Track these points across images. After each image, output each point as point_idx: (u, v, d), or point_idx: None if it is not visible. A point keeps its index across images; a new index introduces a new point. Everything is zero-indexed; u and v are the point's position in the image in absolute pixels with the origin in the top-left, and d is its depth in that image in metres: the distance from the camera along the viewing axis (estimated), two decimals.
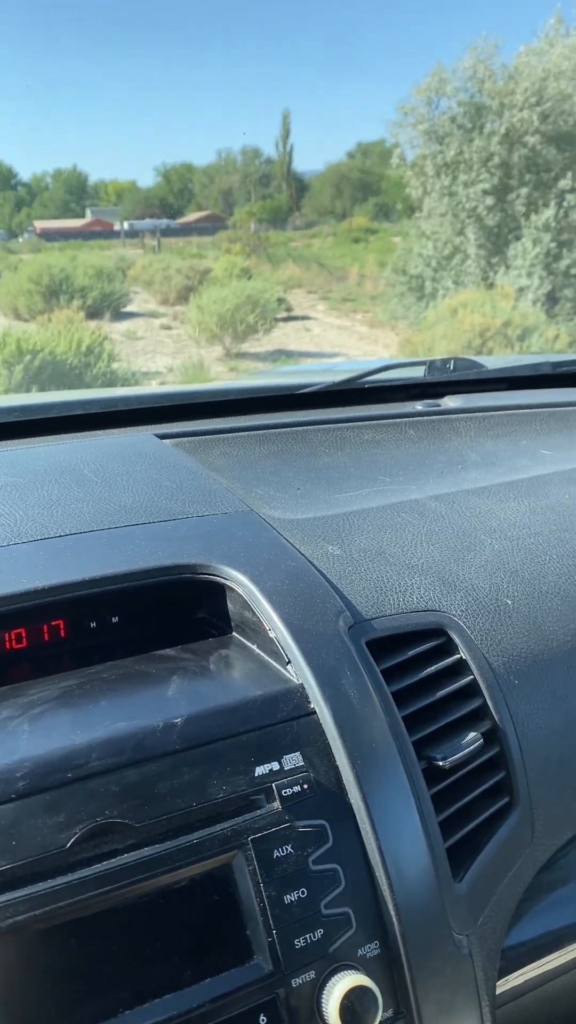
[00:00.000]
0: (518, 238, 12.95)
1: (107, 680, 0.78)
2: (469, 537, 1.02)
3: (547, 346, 10.75)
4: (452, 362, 1.61)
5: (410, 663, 0.84)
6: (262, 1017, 0.65)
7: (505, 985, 0.82)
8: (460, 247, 13.46)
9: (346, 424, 1.37)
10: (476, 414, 1.43)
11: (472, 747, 0.80)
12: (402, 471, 1.23)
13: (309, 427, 1.36)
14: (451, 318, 11.18)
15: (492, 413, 1.43)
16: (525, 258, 12.50)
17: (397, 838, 0.72)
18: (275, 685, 0.76)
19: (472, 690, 0.86)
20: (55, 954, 0.61)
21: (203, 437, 1.29)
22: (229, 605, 0.87)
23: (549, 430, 1.42)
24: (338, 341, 14.98)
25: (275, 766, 0.71)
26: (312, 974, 0.67)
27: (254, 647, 0.84)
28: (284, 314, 16.20)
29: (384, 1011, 0.68)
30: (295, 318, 17.07)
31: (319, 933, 0.67)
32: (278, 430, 1.35)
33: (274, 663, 0.80)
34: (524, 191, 13.06)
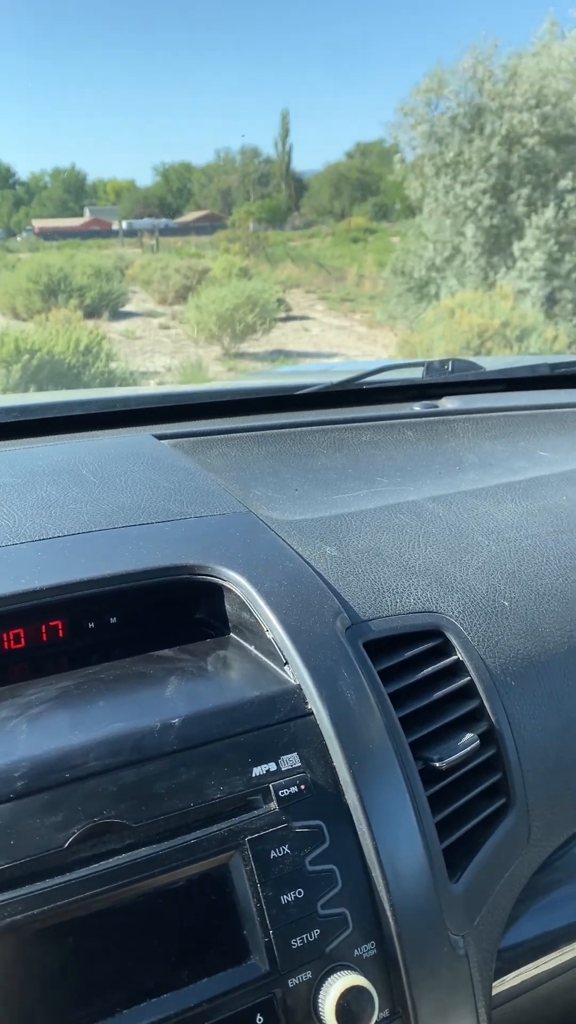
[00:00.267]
0: (519, 239, 12.96)
1: (105, 680, 0.78)
2: (466, 538, 1.02)
3: (546, 347, 10.77)
4: (450, 363, 1.61)
5: (407, 664, 0.85)
6: (259, 1017, 0.65)
7: (501, 986, 0.82)
8: (460, 248, 13.48)
9: (344, 425, 1.37)
10: (474, 415, 1.43)
11: (469, 748, 0.80)
12: (400, 472, 1.23)
13: (307, 428, 1.36)
14: (449, 319, 11.19)
15: (490, 414, 1.44)
16: (527, 259, 12.51)
17: (394, 839, 0.72)
18: (272, 686, 0.76)
19: (469, 691, 0.86)
20: (53, 954, 0.62)
21: (201, 438, 1.29)
22: (227, 606, 0.87)
23: (547, 431, 1.43)
24: (337, 341, 14.99)
25: (272, 767, 0.71)
26: (308, 974, 0.67)
27: (252, 648, 0.84)
28: (283, 314, 16.19)
29: (380, 1011, 0.68)
30: (294, 318, 17.07)
31: (316, 933, 0.68)
32: (276, 431, 1.35)
33: (271, 664, 0.80)
34: (524, 192, 13.07)
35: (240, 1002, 0.65)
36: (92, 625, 0.86)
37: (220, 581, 0.86)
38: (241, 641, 0.85)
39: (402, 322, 14.10)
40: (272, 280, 18.26)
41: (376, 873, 0.71)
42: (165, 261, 20.28)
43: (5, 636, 0.82)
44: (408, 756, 0.77)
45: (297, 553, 0.92)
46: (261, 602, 0.82)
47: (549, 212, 12.63)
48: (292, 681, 0.77)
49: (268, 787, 0.70)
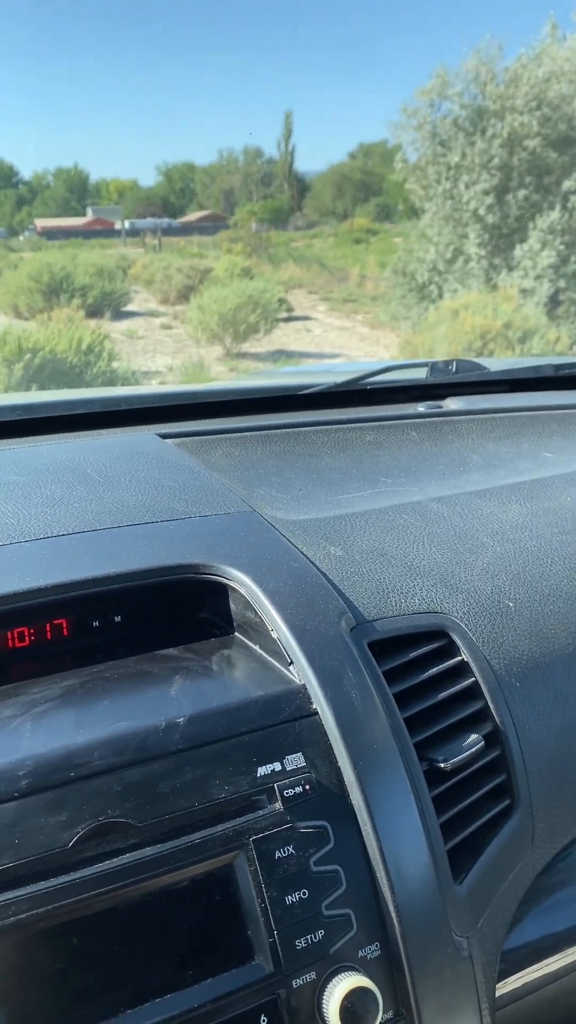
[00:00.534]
0: (521, 240, 12.96)
1: (109, 679, 0.78)
2: (471, 539, 1.02)
3: (548, 348, 10.77)
4: (454, 364, 1.61)
5: (412, 665, 0.84)
6: (263, 1018, 0.65)
7: (504, 987, 0.82)
8: (462, 250, 13.48)
9: (348, 425, 1.37)
10: (478, 416, 1.43)
11: (473, 749, 0.80)
12: (404, 473, 1.23)
13: (311, 428, 1.36)
14: (452, 320, 11.20)
15: (494, 415, 1.43)
16: (533, 259, 12.51)
17: (398, 840, 0.72)
18: (277, 686, 0.76)
19: (473, 692, 0.86)
20: (57, 953, 0.61)
21: (205, 437, 1.29)
22: (231, 605, 0.87)
23: (551, 432, 1.42)
24: (339, 342, 14.99)
25: (277, 767, 0.71)
26: (313, 975, 0.67)
27: (256, 647, 0.84)
28: (285, 314, 16.20)
29: (384, 1012, 0.68)
30: (296, 318, 17.08)
31: (320, 934, 0.67)
32: (280, 431, 1.35)
33: (276, 664, 0.80)
34: (523, 193, 13.08)
35: (244, 1003, 0.64)
36: (97, 624, 0.86)
37: (225, 580, 0.86)
38: (246, 640, 0.85)
39: (404, 323, 14.10)
40: (274, 280, 18.27)
41: (380, 874, 0.71)
42: (167, 261, 20.30)
43: (10, 634, 0.82)
44: (413, 756, 0.77)
45: (302, 553, 0.92)
46: (266, 601, 0.82)
47: (555, 214, 12.63)
48: (297, 681, 0.77)
49: (273, 787, 0.70)
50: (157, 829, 0.66)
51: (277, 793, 0.69)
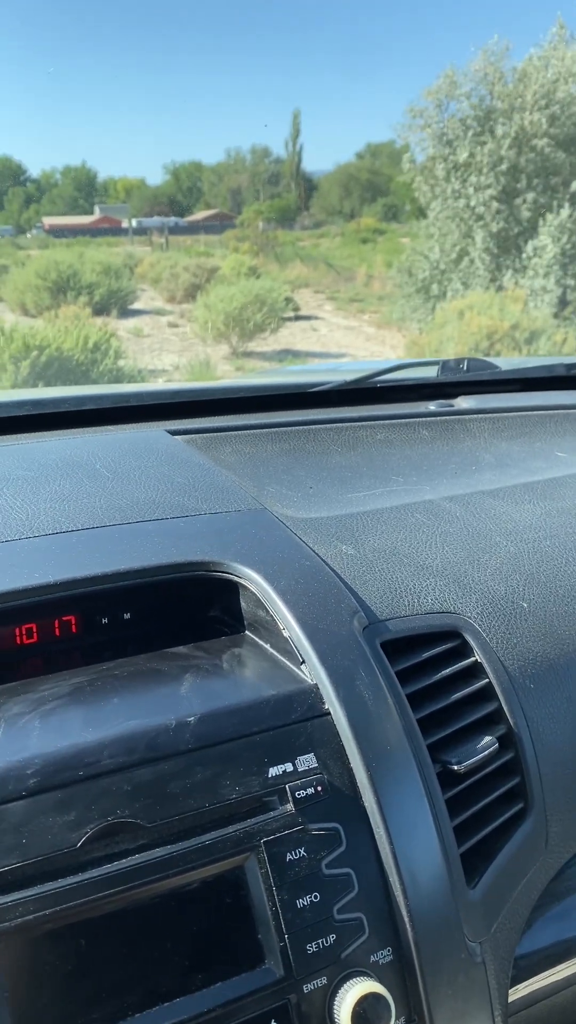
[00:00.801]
0: (527, 241, 12.92)
1: (119, 677, 0.77)
2: (484, 539, 1.00)
3: (555, 349, 10.73)
4: (465, 362, 1.59)
5: (424, 665, 0.83)
6: (273, 1022, 0.63)
7: (516, 993, 0.81)
8: (467, 250, 13.45)
9: (359, 423, 1.36)
10: (490, 415, 1.42)
11: (487, 751, 0.79)
12: (415, 471, 1.22)
13: (321, 426, 1.34)
14: (458, 320, 11.17)
15: (506, 414, 1.42)
16: (543, 257, 12.47)
17: (411, 843, 0.71)
18: (289, 685, 0.75)
19: (487, 694, 0.84)
20: (64, 955, 0.60)
21: (215, 434, 1.28)
22: (242, 603, 0.86)
23: (564, 432, 1.41)
24: (345, 341, 14.96)
25: (289, 767, 0.70)
26: (324, 980, 0.65)
27: (267, 646, 0.82)
28: (291, 314, 16.18)
29: (396, 1018, 0.66)
30: (302, 318, 17.06)
31: (331, 938, 0.66)
32: (290, 428, 1.34)
33: (288, 663, 0.79)
34: (531, 196, 13.05)
35: (254, 1007, 0.63)
36: (106, 621, 0.85)
37: (236, 578, 0.85)
38: (256, 639, 0.84)
39: (410, 323, 14.08)
40: (281, 279, 18.26)
41: (393, 877, 0.69)
42: (174, 259, 20.29)
43: (18, 631, 0.81)
44: (426, 758, 0.76)
45: (313, 551, 0.90)
46: (278, 600, 0.81)
47: (564, 212, 12.59)
48: (309, 680, 0.76)
49: (284, 788, 0.68)
50: (167, 830, 0.65)
51: (289, 794, 0.68)
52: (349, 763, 0.72)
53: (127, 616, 0.86)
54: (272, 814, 0.68)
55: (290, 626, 0.79)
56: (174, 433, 1.23)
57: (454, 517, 1.04)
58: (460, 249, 13.57)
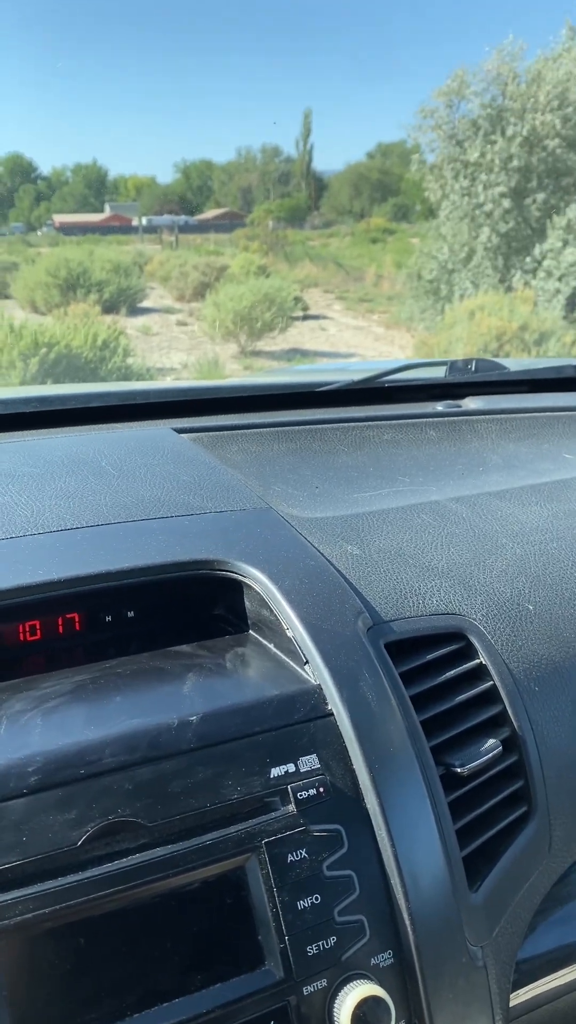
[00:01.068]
0: (536, 242, 12.89)
1: (122, 675, 0.77)
2: (490, 540, 1.00)
3: (564, 351, 10.70)
4: (474, 363, 1.59)
5: (429, 667, 0.83)
6: None
7: (518, 998, 0.80)
8: (476, 250, 13.42)
9: (365, 423, 1.35)
10: (498, 416, 1.41)
11: (491, 754, 0.78)
12: (422, 472, 1.21)
13: (328, 425, 1.34)
14: (468, 320, 11.15)
15: (514, 415, 1.41)
16: (556, 259, 12.43)
17: (413, 845, 0.71)
18: (292, 685, 0.75)
19: (491, 696, 0.84)
20: (64, 954, 0.60)
21: (221, 432, 1.28)
22: (246, 603, 0.86)
23: (572, 434, 1.40)
24: (354, 341, 14.95)
25: (291, 768, 0.69)
26: (324, 982, 0.65)
27: (271, 646, 0.82)
28: (300, 313, 16.18)
29: (396, 1022, 0.66)
30: (311, 317, 17.04)
31: (332, 940, 0.66)
32: (297, 427, 1.33)
33: (291, 663, 0.79)
34: (541, 196, 13.01)
35: (254, 1009, 0.63)
36: (109, 619, 0.85)
37: (240, 577, 0.85)
38: (260, 639, 0.84)
39: (419, 323, 14.06)
40: (290, 279, 18.24)
41: (395, 880, 0.69)
42: (184, 258, 20.30)
43: (21, 627, 0.81)
44: (429, 760, 0.75)
45: (318, 551, 0.90)
46: (282, 600, 0.81)
47: (572, 211, 12.54)
48: (312, 681, 0.75)
49: (286, 788, 0.68)
50: (168, 829, 0.65)
51: (291, 795, 0.68)
52: (352, 764, 0.72)
53: (131, 614, 0.86)
54: (274, 815, 0.67)
55: (294, 626, 0.79)
56: (180, 431, 1.23)
57: (460, 518, 1.04)
58: (469, 249, 13.55)
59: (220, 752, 0.68)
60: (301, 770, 0.70)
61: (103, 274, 15.50)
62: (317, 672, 0.76)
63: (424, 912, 0.69)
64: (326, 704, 0.74)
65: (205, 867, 0.64)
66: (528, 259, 12.85)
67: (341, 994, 0.65)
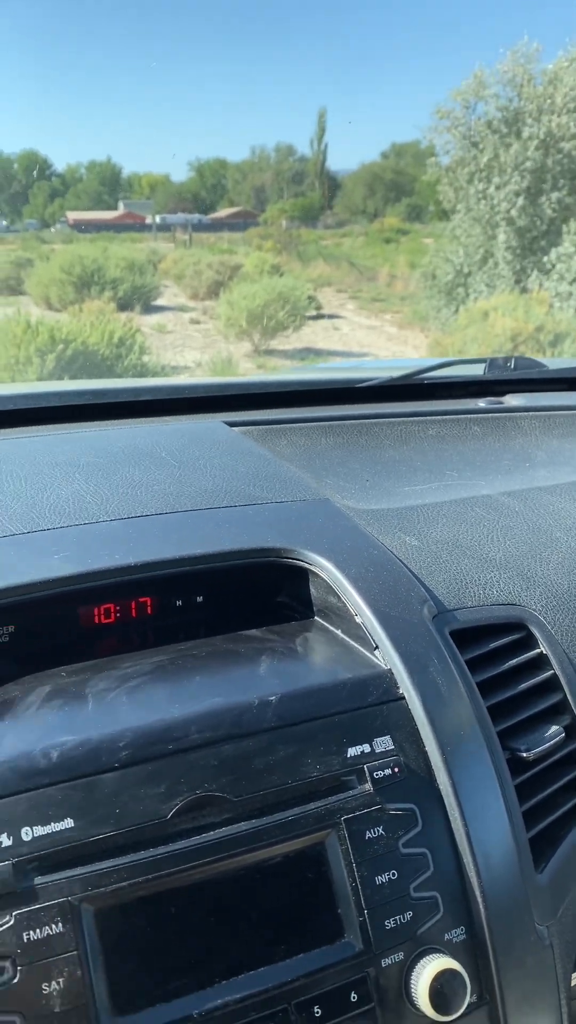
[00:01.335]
0: (554, 244, 12.87)
1: (197, 657, 0.79)
2: (545, 534, 1.02)
3: None
4: (513, 360, 1.60)
5: (492, 655, 0.85)
6: (353, 995, 0.65)
7: None
8: (491, 252, 13.41)
9: (410, 419, 1.37)
10: (540, 413, 1.43)
11: (555, 740, 0.80)
12: (469, 467, 1.23)
13: (373, 420, 1.36)
14: (482, 321, 11.14)
15: (556, 412, 1.43)
16: (568, 263, 12.41)
17: (484, 826, 0.73)
18: (363, 669, 0.77)
19: (552, 685, 0.86)
20: (154, 923, 0.62)
21: (270, 426, 1.30)
22: (312, 590, 0.88)
23: None
24: (367, 341, 14.95)
25: (366, 748, 0.71)
26: (401, 955, 0.67)
27: (338, 632, 0.84)
28: (313, 312, 16.18)
29: (469, 996, 0.68)
30: (324, 316, 17.05)
31: (408, 915, 0.68)
32: (343, 422, 1.35)
33: (360, 648, 0.81)
34: (556, 196, 12.99)
35: (335, 979, 0.65)
36: (179, 603, 0.87)
37: (306, 565, 0.87)
38: (327, 625, 0.86)
39: (433, 323, 14.05)
40: (303, 278, 18.25)
41: (467, 859, 0.71)
42: (197, 256, 20.33)
43: (97, 610, 0.83)
44: (496, 745, 0.77)
45: (379, 541, 0.92)
46: (349, 587, 0.83)
47: None
48: (383, 665, 0.78)
49: (363, 768, 0.70)
50: (251, 805, 0.67)
51: (367, 774, 0.70)
52: (424, 746, 0.74)
53: (199, 599, 0.88)
54: (351, 793, 0.70)
55: (363, 612, 0.81)
56: (231, 424, 1.25)
57: (513, 512, 1.05)
58: (484, 251, 13.53)
59: (299, 732, 0.70)
60: (376, 751, 0.72)
61: (117, 272, 15.54)
62: (387, 657, 0.78)
63: (495, 890, 0.71)
64: (397, 688, 0.76)
65: (287, 842, 0.66)
66: (545, 259, 12.83)
67: (418, 967, 0.67)
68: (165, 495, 0.94)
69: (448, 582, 0.89)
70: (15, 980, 0.58)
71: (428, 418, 1.38)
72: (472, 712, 0.77)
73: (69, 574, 0.79)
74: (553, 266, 12.70)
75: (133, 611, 0.85)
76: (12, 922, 0.59)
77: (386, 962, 0.67)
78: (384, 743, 0.72)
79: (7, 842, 0.61)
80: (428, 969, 0.66)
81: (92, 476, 0.98)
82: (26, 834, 0.61)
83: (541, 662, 0.87)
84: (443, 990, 0.66)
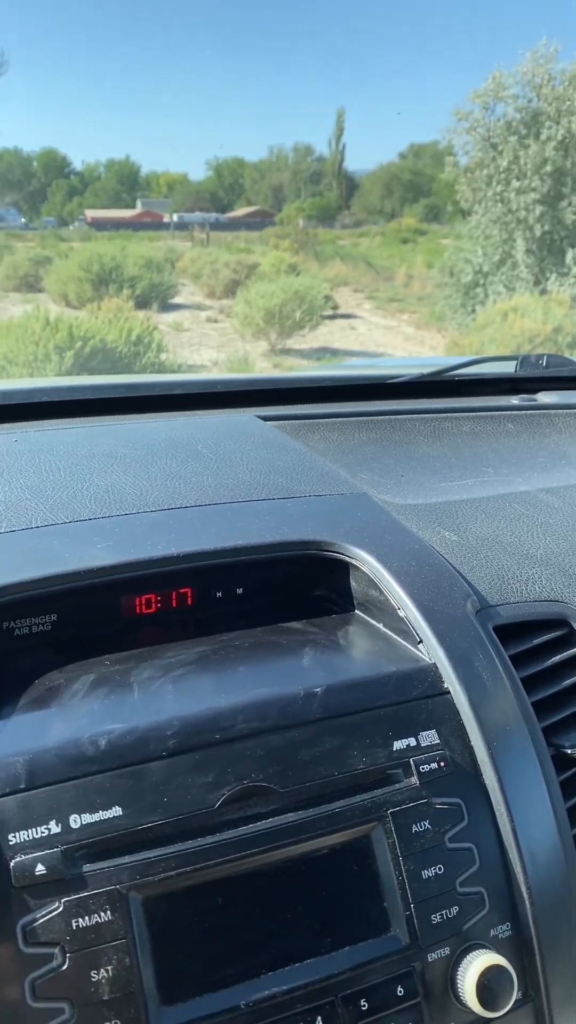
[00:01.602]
0: (572, 245, 12.80)
1: (240, 648, 0.79)
2: None
3: None
4: (545, 358, 1.59)
5: (535, 651, 0.84)
6: (399, 989, 0.65)
7: None
8: (510, 253, 13.35)
9: (444, 415, 1.36)
10: (574, 411, 1.42)
11: None
12: (504, 464, 1.22)
13: (407, 416, 1.36)
14: (501, 322, 11.09)
15: None
16: None
17: (530, 821, 0.72)
18: (408, 663, 0.76)
19: None
20: (201, 912, 0.62)
21: (303, 421, 1.30)
22: (352, 583, 0.87)
23: None
24: (383, 341, 14.92)
25: (412, 742, 0.71)
26: (447, 950, 0.67)
27: (380, 625, 0.84)
28: (330, 312, 16.17)
29: (515, 992, 0.67)
30: (341, 316, 17.03)
31: (455, 910, 0.68)
32: (376, 417, 1.35)
33: (403, 642, 0.80)
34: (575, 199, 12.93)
35: (381, 972, 0.65)
36: (219, 595, 0.87)
37: (347, 559, 0.86)
38: (368, 618, 0.85)
39: (450, 324, 14.01)
40: (320, 277, 18.24)
41: (513, 854, 0.70)
42: (215, 255, 20.38)
43: (138, 600, 0.83)
44: (541, 740, 0.76)
45: (419, 536, 0.91)
46: (392, 581, 0.82)
47: None
48: (427, 659, 0.77)
49: (409, 761, 0.70)
50: (298, 796, 0.66)
51: (413, 768, 0.70)
52: (469, 741, 0.73)
53: (239, 591, 0.88)
54: (397, 786, 0.69)
55: (406, 606, 0.80)
56: (264, 419, 1.25)
57: (552, 508, 1.05)
58: (503, 252, 13.48)
59: (344, 724, 0.70)
60: (422, 744, 0.71)
61: (135, 270, 15.57)
62: (432, 651, 0.77)
63: (541, 887, 0.71)
64: (442, 682, 0.75)
65: (333, 834, 0.66)
66: (567, 259, 12.76)
67: (464, 962, 0.66)
68: (203, 487, 0.94)
69: (489, 578, 0.89)
70: (64, 967, 0.58)
71: (462, 415, 1.37)
72: (517, 707, 0.76)
73: (112, 563, 0.79)
74: (570, 269, 12.63)
75: (174, 601, 0.85)
76: (61, 909, 0.59)
77: (432, 957, 0.66)
78: (430, 737, 0.72)
79: (56, 829, 0.61)
80: (475, 965, 0.66)
81: (130, 467, 0.98)
82: (74, 821, 0.61)
83: None
84: (490, 986, 0.65)
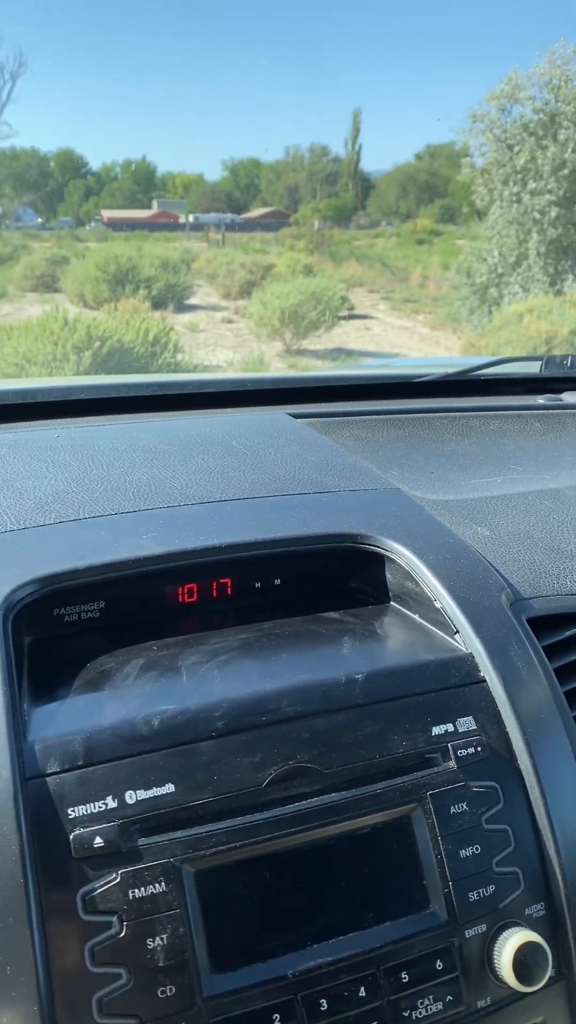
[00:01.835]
0: None
1: (281, 636, 0.81)
2: None
3: None
4: (569, 359, 1.61)
5: (568, 643, 0.86)
6: (438, 963, 0.67)
7: None
8: (525, 254, 13.33)
9: (471, 413, 1.39)
10: None
11: None
12: (532, 461, 1.24)
13: (435, 414, 1.38)
14: (517, 323, 11.08)
15: None
16: None
17: (563, 806, 0.74)
18: (445, 652, 0.79)
19: None
20: (249, 887, 0.65)
21: (332, 419, 1.32)
22: (388, 575, 0.90)
23: None
24: (398, 341, 14.91)
25: (450, 727, 0.73)
26: (484, 927, 0.69)
27: (416, 616, 0.86)
28: (345, 312, 16.17)
29: (550, 969, 0.70)
30: (356, 317, 17.04)
31: (491, 889, 0.70)
32: (404, 415, 1.37)
33: (439, 632, 0.83)
34: None
35: (421, 947, 0.67)
36: (258, 585, 0.89)
37: (383, 551, 0.89)
38: (403, 610, 0.88)
39: (466, 325, 13.99)
40: (336, 278, 18.25)
41: (547, 836, 0.73)
42: (230, 256, 20.42)
43: (180, 589, 0.86)
44: (574, 729, 0.79)
45: (453, 530, 0.94)
46: (428, 573, 0.85)
47: None
48: (464, 649, 0.79)
49: (447, 746, 0.72)
50: (340, 777, 0.69)
51: (451, 752, 0.72)
52: (505, 727, 0.75)
53: (277, 582, 0.90)
54: (436, 769, 0.72)
55: (442, 598, 0.83)
56: (295, 416, 1.27)
57: None
58: (519, 253, 13.46)
59: (385, 709, 0.73)
60: (459, 730, 0.74)
61: (151, 270, 15.63)
62: (468, 641, 0.80)
63: (574, 868, 0.73)
64: (479, 671, 0.78)
65: (375, 814, 0.69)
66: None
67: (500, 939, 0.69)
68: (241, 482, 0.97)
69: (522, 571, 0.91)
70: (121, 934, 0.61)
71: (489, 413, 1.39)
72: (551, 696, 0.79)
73: (158, 553, 0.81)
74: None
75: (214, 591, 0.87)
76: (118, 880, 0.62)
77: (470, 933, 0.69)
78: (467, 723, 0.74)
79: (112, 804, 0.63)
80: (511, 941, 0.68)
81: (169, 462, 1.01)
82: (130, 797, 0.64)
83: None
84: (526, 961, 0.68)
